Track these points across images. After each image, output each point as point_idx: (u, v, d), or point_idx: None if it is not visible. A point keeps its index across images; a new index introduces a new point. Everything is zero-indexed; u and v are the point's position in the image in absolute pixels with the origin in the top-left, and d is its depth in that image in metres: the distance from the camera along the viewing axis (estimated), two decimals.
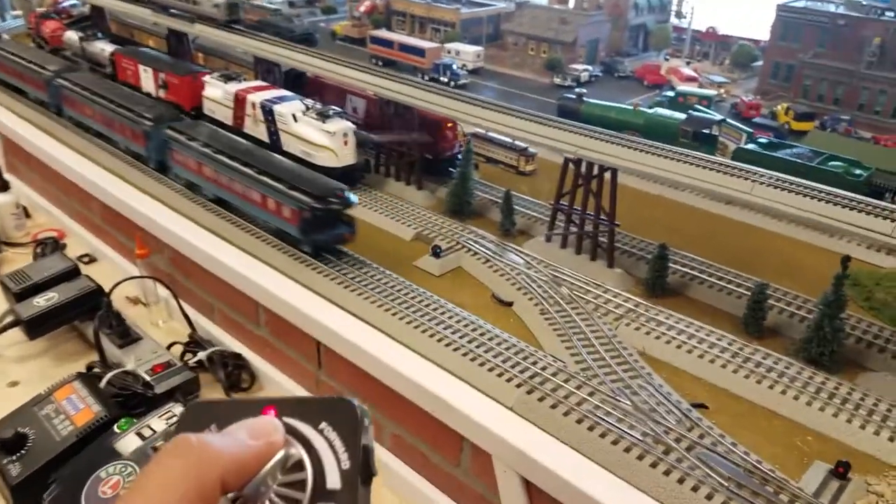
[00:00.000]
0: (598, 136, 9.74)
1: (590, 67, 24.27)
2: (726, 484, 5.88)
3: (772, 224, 11.29)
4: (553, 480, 4.49)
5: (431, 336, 8.40)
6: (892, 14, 19.57)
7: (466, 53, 24.87)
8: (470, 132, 12.73)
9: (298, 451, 0.83)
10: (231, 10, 15.12)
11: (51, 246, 7.51)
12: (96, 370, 4.82)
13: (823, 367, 7.93)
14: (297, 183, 8.14)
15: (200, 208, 11.74)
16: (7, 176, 8.81)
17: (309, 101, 12.36)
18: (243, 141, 11.13)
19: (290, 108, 12.24)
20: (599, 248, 10.38)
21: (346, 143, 11.69)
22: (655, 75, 23.70)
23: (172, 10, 16.34)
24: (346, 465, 0.81)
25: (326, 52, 15.00)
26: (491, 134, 12.92)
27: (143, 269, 6.38)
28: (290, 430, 0.85)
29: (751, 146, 12.56)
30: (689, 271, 10.04)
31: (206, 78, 14.72)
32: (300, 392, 7.10)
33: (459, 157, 12.63)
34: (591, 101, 16.15)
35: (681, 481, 6.24)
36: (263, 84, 13.80)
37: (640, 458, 6.50)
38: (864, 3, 20.05)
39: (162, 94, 15.32)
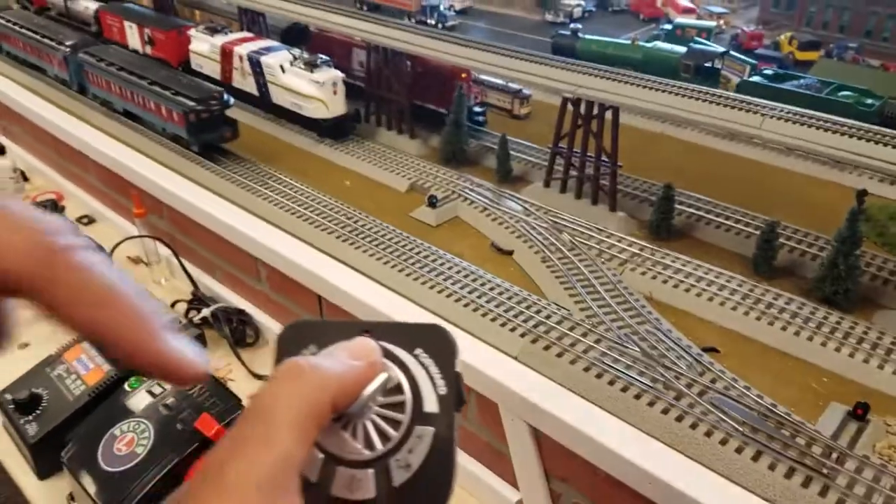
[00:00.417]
0: (597, 74, 9.32)
1: (582, 2, 23.34)
2: (741, 429, 5.73)
3: (781, 160, 10.95)
4: (562, 428, 4.31)
5: (431, 287, 8.19)
6: None
7: None
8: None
9: (397, 373, 0.83)
10: None
11: (50, 208, 7.33)
12: None
13: (838, 307, 7.71)
14: (182, 90, 9.51)
15: (196, 166, 11.42)
16: (3, 139, 8.65)
17: (296, 51, 11.87)
18: (146, 59, 12.33)
19: (278, 59, 11.77)
20: (601, 192, 10.06)
21: (335, 92, 11.26)
22: (652, 8, 22.85)
23: None
24: (442, 390, 0.82)
25: (329, 3, 14.43)
26: (482, 76, 12.49)
27: (143, 229, 6.19)
28: (387, 354, 0.85)
29: (756, 79, 12.08)
30: (695, 212, 9.75)
31: (192, 32, 14.16)
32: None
33: (477, 109, 12.10)
34: (588, 36, 15.53)
35: (693, 427, 6.10)
36: (250, 35, 13.28)
37: (651, 404, 6.35)
38: None
39: (149, 50, 14.79)
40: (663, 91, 8.39)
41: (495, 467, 4.05)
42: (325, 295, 5.81)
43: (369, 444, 0.80)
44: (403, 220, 10.47)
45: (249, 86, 12.86)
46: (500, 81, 12.36)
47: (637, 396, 6.58)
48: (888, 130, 7.31)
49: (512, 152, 11.70)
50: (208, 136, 9.37)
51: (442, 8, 22.69)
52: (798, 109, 7.45)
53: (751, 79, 12.00)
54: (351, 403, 0.81)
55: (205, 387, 4.25)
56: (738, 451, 5.80)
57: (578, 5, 23.19)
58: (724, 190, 10.65)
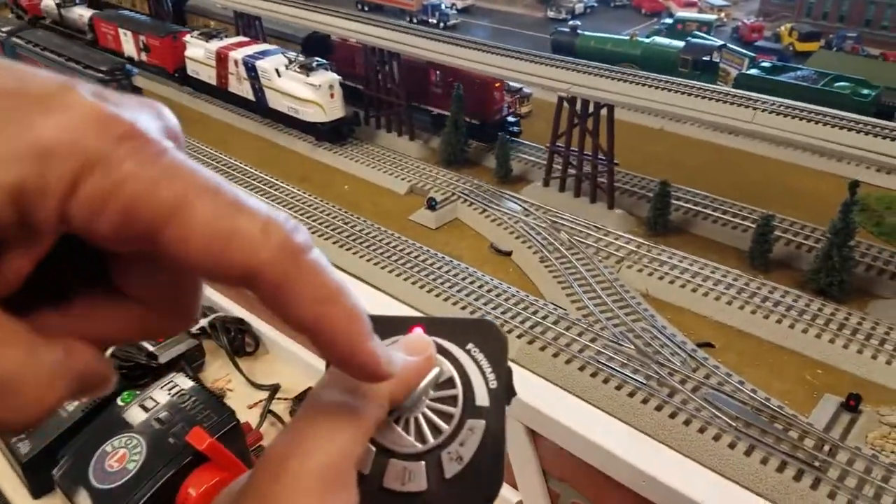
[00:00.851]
0: (591, 72, 9.37)
1: None
2: (734, 424, 5.78)
3: (777, 152, 10.94)
4: (558, 429, 4.38)
5: (429, 291, 8.27)
6: None
7: None
8: None
9: (448, 368, 0.74)
10: None
11: None
12: None
13: (833, 298, 7.74)
14: (91, 63, 11.50)
15: None
16: None
17: (292, 54, 11.97)
18: (68, 39, 13.74)
19: (273, 63, 11.87)
20: (599, 190, 10.11)
21: (332, 95, 11.34)
22: (653, 2, 22.83)
23: None
24: (493, 384, 0.73)
25: (318, 5, 14.52)
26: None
27: None
28: (439, 349, 0.75)
29: (753, 71, 12.08)
30: (692, 207, 9.79)
31: (187, 37, 14.28)
32: (304, 353, 7.04)
33: (510, 118, 11.94)
34: (586, 33, 15.56)
35: (687, 423, 6.16)
36: (246, 40, 13.38)
37: (645, 401, 6.41)
38: None
39: (144, 57, 14.92)
40: (657, 88, 8.43)
41: None
42: None
43: (421, 438, 0.68)
44: (403, 223, 10.56)
45: (245, 91, 12.89)
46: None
47: (631, 394, 6.64)
48: (879, 121, 7.32)
49: (512, 152, 11.77)
50: None
51: (443, 7, 22.74)
52: (790, 102, 7.46)
53: (748, 71, 11.99)
54: (407, 398, 0.68)
55: (198, 399, 4.35)
56: (732, 446, 5.85)
57: (580, 1, 23.15)
58: (722, 184, 10.66)
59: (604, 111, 9.14)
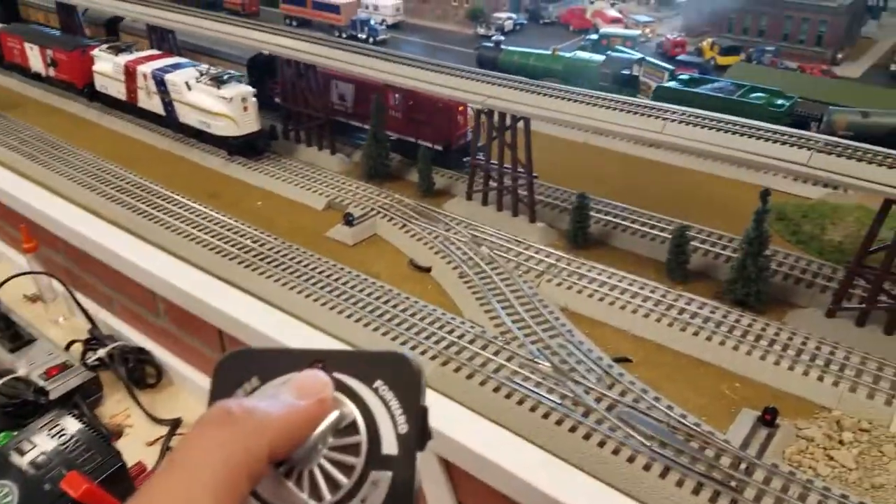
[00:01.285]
0: (507, 85, 9.19)
1: (514, 15, 23.55)
2: (648, 444, 5.56)
3: (700, 163, 10.99)
4: (472, 459, 4.08)
5: (340, 312, 7.86)
6: None
7: (385, 7, 23.90)
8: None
9: (351, 410, 0.78)
10: None
11: None
12: None
13: (750, 308, 7.68)
14: None
15: (88, 192, 10.85)
16: None
17: (203, 67, 11.45)
18: None
19: (184, 76, 11.32)
20: (521, 203, 9.93)
21: (246, 108, 10.87)
22: (581, 19, 23.16)
23: None
24: (403, 428, 0.77)
25: (226, 16, 13.98)
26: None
27: (35, 264, 5.72)
28: (342, 387, 0.81)
29: (671, 84, 12.19)
30: (612, 219, 9.68)
31: (96, 51, 13.58)
32: (210, 384, 6.51)
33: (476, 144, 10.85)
34: (510, 48, 15.51)
35: (601, 444, 5.91)
36: (156, 53, 12.78)
37: (559, 422, 6.14)
38: None
39: (52, 72, 14.13)
40: (573, 101, 8.28)
41: None
42: (226, 328, 5.43)
43: (316, 494, 0.74)
44: (318, 240, 10.13)
45: (155, 105, 12.18)
46: None
47: (546, 415, 6.36)
48: (791, 130, 7.33)
49: (435, 165, 11.51)
50: None
51: (372, 22, 22.55)
52: (700, 112, 7.40)
53: (667, 84, 12.08)
54: (295, 449, 0.75)
55: (81, 440, 3.85)
56: (647, 468, 5.62)
57: (509, 18, 23.31)
58: (644, 196, 10.62)
59: (521, 125, 8.95)
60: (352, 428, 0.77)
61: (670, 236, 8.03)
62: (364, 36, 21.74)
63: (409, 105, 10.75)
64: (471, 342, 6.79)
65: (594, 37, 19.74)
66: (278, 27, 12.04)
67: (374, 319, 7.19)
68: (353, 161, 11.43)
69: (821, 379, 6.29)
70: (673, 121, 7.07)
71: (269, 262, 8.04)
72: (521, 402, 5.92)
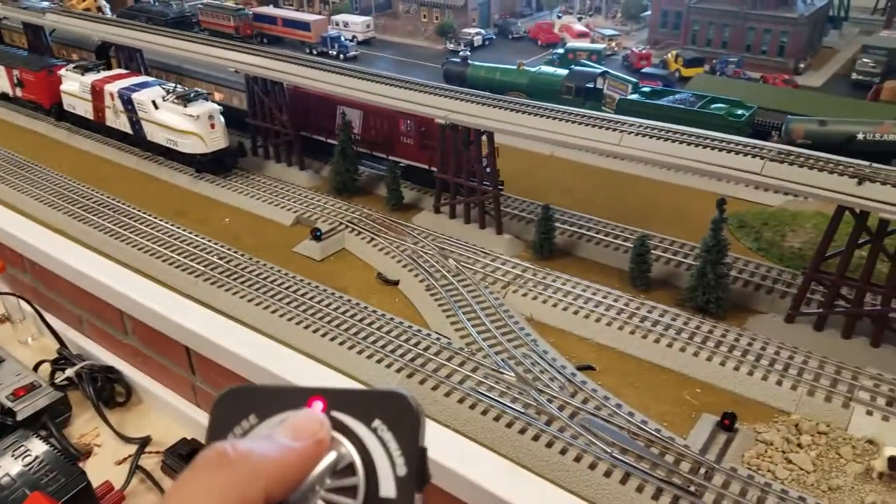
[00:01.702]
0: (470, 100, 9.30)
1: (483, 31, 23.79)
2: (609, 450, 5.64)
3: (663, 174, 11.18)
4: (436, 470, 4.07)
5: (307, 327, 7.88)
6: None
7: (355, 24, 24.01)
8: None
9: (349, 450, 0.78)
10: None
11: None
12: None
13: (711, 315, 7.82)
14: None
15: (57, 212, 10.75)
16: None
17: (170, 86, 11.44)
18: None
19: (150, 95, 11.32)
20: (488, 216, 10.02)
21: (213, 126, 10.88)
22: (549, 34, 23.44)
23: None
24: (401, 470, 0.77)
25: (199, 35, 13.97)
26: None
27: (3, 285, 5.66)
28: (339, 427, 0.80)
29: (634, 96, 12.38)
30: (577, 230, 9.81)
31: (63, 71, 13.50)
32: (179, 402, 6.51)
33: (487, 170, 10.22)
34: (476, 63, 15.68)
35: (563, 452, 5.98)
36: (124, 72, 12.76)
37: (523, 431, 6.21)
38: None
39: (19, 92, 14.01)
40: (535, 115, 8.41)
41: None
42: (194, 346, 5.36)
43: None
44: (287, 255, 10.13)
45: (123, 124, 12.32)
46: None
47: (509, 425, 6.43)
48: (746, 140, 7.49)
49: (403, 179, 11.56)
50: None
51: (343, 39, 22.65)
52: (656, 124, 7.55)
53: (629, 97, 12.28)
54: (292, 491, 0.74)
55: (46, 460, 3.80)
56: (608, 474, 5.69)
57: (479, 34, 23.55)
58: (609, 207, 10.78)
59: (485, 139, 9.06)
60: (349, 469, 0.77)
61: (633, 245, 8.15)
62: (335, 52, 21.81)
63: (421, 131, 10.52)
64: (436, 354, 6.84)
65: (560, 51, 19.99)
66: (247, 45, 12.07)
67: (340, 333, 7.21)
68: (322, 176, 11.46)
69: (780, 383, 6.42)
70: (630, 133, 7.21)
71: (235, 279, 8.03)
72: (485, 413, 5.97)
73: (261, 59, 11.01)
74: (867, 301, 7.19)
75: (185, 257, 8.02)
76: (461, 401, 6.04)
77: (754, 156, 6.67)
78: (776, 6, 20.24)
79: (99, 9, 25.96)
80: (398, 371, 6.49)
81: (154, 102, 10.78)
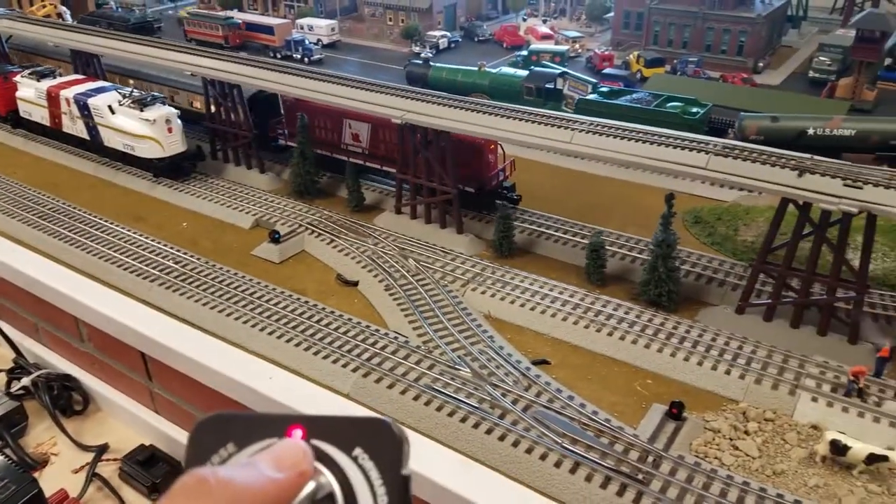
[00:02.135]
0: (428, 100, 9.36)
1: (448, 33, 23.89)
2: (560, 441, 5.72)
3: (621, 172, 11.36)
4: None
5: (262, 330, 7.86)
6: None
7: (320, 28, 23.97)
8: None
9: (328, 480, 0.76)
10: None
11: None
12: None
13: (663, 308, 7.97)
14: None
15: (14, 221, 10.59)
16: None
17: (126, 90, 11.34)
18: None
19: (106, 100, 11.22)
20: (448, 216, 10.08)
21: (170, 130, 10.80)
22: (514, 36, 23.61)
23: None
24: (382, 500, 0.74)
25: (169, 41, 13.85)
26: None
27: None
28: (320, 455, 0.78)
29: (592, 96, 12.55)
30: (536, 228, 9.92)
31: (18, 77, 13.31)
32: (137, 409, 6.46)
33: (506, 184, 10.60)
34: (438, 65, 15.77)
35: (516, 445, 6.06)
36: (80, 77, 12.61)
37: (476, 426, 6.27)
38: None
39: None
40: (489, 114, 8.50)
41: None
42: (149, 352, 5.32)
43: None
44: (245, 259, 10.09)
45: (79, 130, 12.17)
46: None
47: (464, 419, 6.49)
48: (695, 136, 7.65)
49: (365, 181, 11.58)
50: None
51: (307, 42, 22.60)
52: (608, 122, 7.69)
53: (588, 97, 12.45)
54: None
55: None
56: (558, 465, 5.78)
57: (444, 37, 23.66)
58: (569, 205, 10.91)
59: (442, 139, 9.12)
60: (328, 500, 0.76)
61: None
62: (299, 56, 21.75)
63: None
64: (393, 353, 6.87)
65: (524, 53, 20.16)
66: (205, 50, 12.00)
67: (296, 335, 7.22)
68: (283, 179, 11.44)
69: (728, 373, 6.55)
70: (581, 131, 7.33)
71: (190, 283, 7.99)
72: (440, 409, 6.02)
73: (217, 62, 10.97)
74: (814, 291, 7.38)
75: (141, 262, 7.97)
76: (416, 398, 6.09)
77: (700, 151, 6.81)
78: (734, 6, 20.61)
79: (59, 15, 25.63)
80: (354, 371, 6.52)
81: (110, 107, 10.69)
